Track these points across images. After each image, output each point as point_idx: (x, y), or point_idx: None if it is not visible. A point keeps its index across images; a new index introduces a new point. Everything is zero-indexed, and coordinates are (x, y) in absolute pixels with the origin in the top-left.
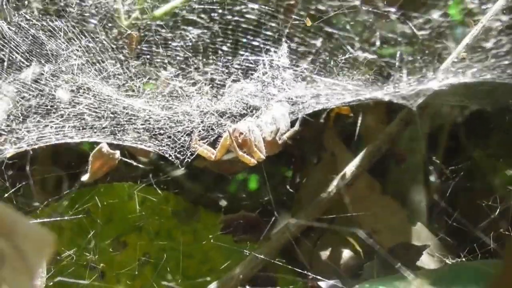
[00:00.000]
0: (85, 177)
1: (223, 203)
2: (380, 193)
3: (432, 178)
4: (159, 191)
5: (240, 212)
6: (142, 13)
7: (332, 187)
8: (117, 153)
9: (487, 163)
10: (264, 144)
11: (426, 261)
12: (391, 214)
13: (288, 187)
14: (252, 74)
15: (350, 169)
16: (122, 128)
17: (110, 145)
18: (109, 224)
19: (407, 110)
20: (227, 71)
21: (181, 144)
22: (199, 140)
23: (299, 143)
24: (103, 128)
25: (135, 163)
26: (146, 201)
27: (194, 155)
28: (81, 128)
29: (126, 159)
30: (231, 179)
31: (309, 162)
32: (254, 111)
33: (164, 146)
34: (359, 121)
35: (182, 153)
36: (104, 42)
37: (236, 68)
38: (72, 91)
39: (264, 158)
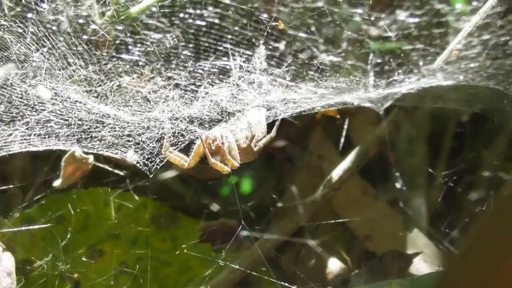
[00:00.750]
0: (57, 183)
1: (215, 207)
2: (373, 197)
3: (433, 181)
4: (136, 197)
5: (219, 219)
6: (117, 11)
7: (319, 192)
8: (91, 158)
9: (493, 165)
10: (238, 151)
11: (423, 268)
12: (385, 220)
13: (271, 193)
14: (227, 78)
15: (337, 173)
16: (89, 135)
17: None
18: (83, 232)
19: (396, 112)
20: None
21: (150, 151)
22: (168, 146)
23: (283, 146)
24: (69, 135)
25: (110, 168)
26: (122, 207)
27: (163, 163)
28: (46, 136)
29: (100, 164)
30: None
31: (294, 165)
32: (228, 116)
33: (131, 153)
34: (346, 123)
35: (150, 160)
36: (76, 43)
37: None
38: (38, 97)
39: (238, 166)
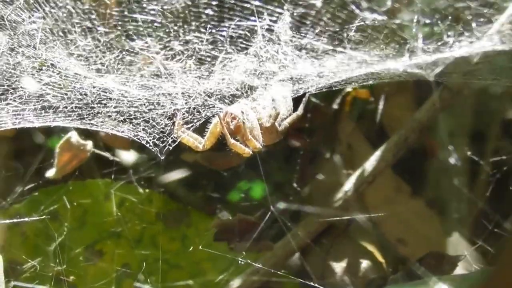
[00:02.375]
0: (50, 173)
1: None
2: (409, 196)
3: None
4: (141, 190)
5: (236, 216)
6: None
7: (349, 185)
8: (89, 144)
9: None
10: (261, 131)
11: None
12: (421, 221)
13: (295, 185)
14: (246, 47)
15: (370, 164)
16: (91, 111)
17: (81, 134)
18: (81, 229)
19: (440, 93)
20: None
21: (161, 129)
22: (182, 125)
23: (308, 132)
24: (70, 111)
25: (111, 157)
26: (125, 201)
27: (177, 142)
28: (43, 111)
29: (100, 152)
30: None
31: (321, 155)
32: (249, 92)
33: (140, 131)
34: (380, 107)
35: (161, 140)
36: (73, 9)
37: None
38: (34, 67)
39: (261, 147)
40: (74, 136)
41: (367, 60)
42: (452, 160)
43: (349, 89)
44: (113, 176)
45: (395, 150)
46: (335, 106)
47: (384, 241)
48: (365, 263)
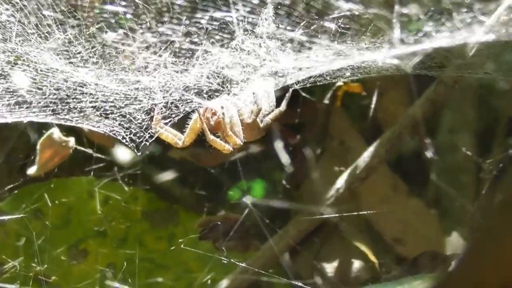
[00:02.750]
0: (32, 170)
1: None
2: (406, 194)
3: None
4: (126, 188)
5: (222, 213)
6: None
7: (341, 182)
8: (71, 141)
9: None
10: (242, 127)
11: None
12: (419, 220)
13: (284, 183)
14: (226, 40)
15: (363, 160)
16: (66, 106)
17: (63, 130)
18: (63, 228)
19: (435, 87)
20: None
21: (138, 124)
22: (160, 120)
23: (299, 128)
24: (44, 106)
25: (94, 153)
26: (110, 199)
27: (154, 138)
28: (16, 106)
29: (83, 148)
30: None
31: (312, 152)
32: (231, 86)
33: (116, 126)
34: (374, 102)
35: (138, 136)
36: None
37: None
38: (9, 62)
39: (242, 144)
40: (56, 133)
41: (344, 51)
42: (429, 154)
43: (340, 83)
44: (96, 174)
45: (388, 146)
46: (326, 101)
47: (379, 241)
48: (357, 263)
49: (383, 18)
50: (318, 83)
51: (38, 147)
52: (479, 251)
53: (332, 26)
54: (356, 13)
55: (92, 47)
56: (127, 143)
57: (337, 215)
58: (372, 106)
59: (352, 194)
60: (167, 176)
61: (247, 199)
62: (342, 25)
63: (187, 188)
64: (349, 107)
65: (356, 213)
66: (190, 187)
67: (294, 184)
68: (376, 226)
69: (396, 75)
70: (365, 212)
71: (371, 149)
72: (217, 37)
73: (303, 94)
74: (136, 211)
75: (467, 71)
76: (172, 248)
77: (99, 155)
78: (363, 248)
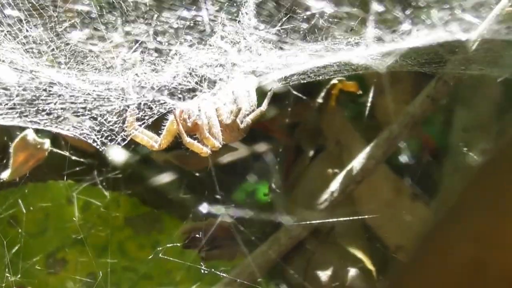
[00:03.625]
0: (5, 174)
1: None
2: (410, 198)
3: None
4: (107, 193)
5: (207, 220)
6: None
7: (336, 185)
8: (47, 143)
9: None
10: (221, 129)
11: None
12: (424, 226)
13: (273, 186)
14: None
15: (359, 162)
16: (35, 108)
17: (38, 131)
18: (40, 236)
19: (435, 84)
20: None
21: (110, 127)
22: (133, 121)
23: (290, 128)
24: (10, 108)
25: (73, 156)
26: (89, 205)
27: (127, 141)
28: None
29: (60, 151)
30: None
31: (304, 153)
32: (209, 86)
33: (86, 129)
34: (369, 100)
35: (110, 138)
36: None
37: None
38: None
39: (220, 146)
40: (30, 134)
41: (317, 51)
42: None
43: (334, 81)
44: (75, 178)
45: (386, 147)
46: (319, 99)
47: (378, 248)
48: (353, 271)
49: (356, 16)
50: (302, 81)
51: (11, 149)
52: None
53: (304, 25)
54: (328, 12)
55: (61, 46)
56: (98, 147)
57: (332, 219)
58: (368, 104)
59: (349, 197)
60: (151, 180)
61: (219, 209)
62: (314, 24)
63: (172, 193)
64: (345, 105)
65: (352, 218)
66: (175, 191)
67: (286, 188)
68: (376, 232)
69: (395, 72)
70: (363, 217)
71: (367, 150)
72: (194, 35)
73: (294, 92)
74: (118, 217)
75: (468, 67)
76: (150, 257)
77: (77, 158)
78: (360, 255)
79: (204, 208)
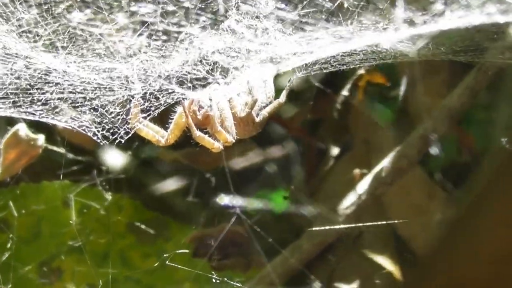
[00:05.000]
0: None
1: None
2: (444, 202)
3: None
4: (107, 195)
5: (219, 225)
6: None
7: (364, 188)
8: (41, 139)
9: None
10: (234, 122)
11: None
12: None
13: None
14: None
15: (389, 162)
16: (29, 98)
17: (31, 126)
18: (33, 242)
19: (475, 75)
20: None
21: (112, 118)
22: (138, 113)
23: (313, 125)
24: (2, 97)
25: (70, 154)
26: (88, 209)
27: (130, 135)
28: None
29: (56, 148)
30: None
31: (329, 153)
32: (221, 75)
33: (86, 121)
34: (401, 93)
35: (112, 132)
36: None
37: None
38: None
39: (234, 141)
40: (22, 129)
41: (342, 35)
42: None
43: (361, 71)
44: (71, 178)
45: (420, 145)
46: (345, 92)
47: (409, 258)
48: (381, 284)
49: None
50: (324, 71)
51: (1, 146)
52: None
53: (328, 5)
54: None
55: (59, 29)
56: (98, 140)
57: (359, 224)
58: (401, 97)
59: (378, 202)
60: (157, 181)
61: (234, 201)
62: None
63: (180, 196)
64: (374, 99)
65: (381, 223)
66: (183, 194)
67: (308, 190)
68: (406, 241)
69: (429, 62)
70: (392, 222)
71: (399, 149)
72: (207, 15)
73: (317, 84)
74: (119, 222)
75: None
76: (155, 265)
77: (74, 156)
78: (389, 265)
79: (221, 199)
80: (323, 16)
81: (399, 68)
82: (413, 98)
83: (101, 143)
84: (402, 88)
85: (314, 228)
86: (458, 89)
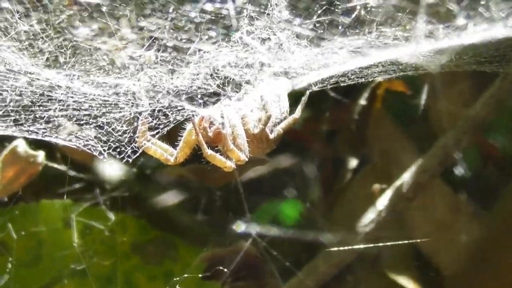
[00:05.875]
0: None
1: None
2: (470, 218)
3: None
4: (111, 215)
5: (231, 246)
6: None
7: (384, 203)
8: (41, 155)
9: None
10: (248, 139)
11: None
12: (490, 251)
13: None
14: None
15: (410, 175)
16: (31, 116)
17: (31, 142)
18: (33, 266)
19: (500, 83)
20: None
21: (118, 137)
22: (146, 131)
23: (329, 136)
24: (3, 116)
25: (71, 171)
26: (91, 229)
27: (138, 153)
28: None
29: (56, 165)
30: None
31: (346, 165)
32: (233, 89)
33: (91, 140)
34: (422, 102)
35: (119, 151)
36: None
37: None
38: None
39: (247, 159)
40: (21, 146)
41: (359, 49)
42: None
43: (380, 79)
44: (73, 197)
45: (442, 157)
46: (362, 101)
47: (433, 278)
48: None
49: (404, 9)
50: (342, 84)
51: None
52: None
53: (345, 19)
54: (372, 3)
55: (63, 44)
56: (104, 159)
57: (379, 244)
58: (422, 107)
59: (399, 218)
60: (163, 199)
61: (251, 228)
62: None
63: (188, 214)
64: (393, 108)
65: (402, 242)
66: (191, 211)
67: (324, 207)
68: (430, 259)
69: (451, 71)
70: (414, 241)
71: (420, 162)
72: (218, 30)
73: (332, 94)
74: (124, 243)
75: None
76: None
77: (76, 174)
78: (411, 286)
79: (238, 226)
80: (339, 29)
81: (419, 76)
82: (435, 107)
83: (104, 160)
84: (423, 97)
85: (330, 249)
86: (483, 98)
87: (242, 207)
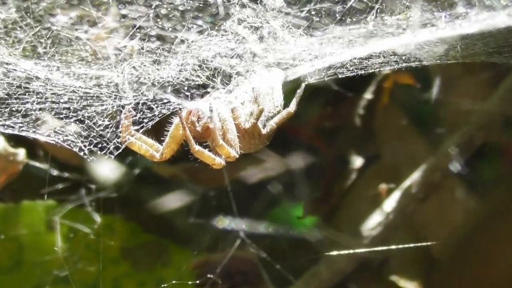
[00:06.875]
0: None
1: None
2: (488, 219)
3: None
4: (97, 216)
5: (223, 251)
6: None
7: (391, 205)
8: (21, 153)
9: None
10: (238, 135)
11: None
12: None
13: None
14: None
15: (421, 175)
16: (8, 109)
17: (11, 139)
18: (13, 272)
19: None
20: None
21: (100, 132)
22: (129, 125)
23: (331, 133)
24: None
25: (54, 170)
26: (75, 232)
27: (121, 149)
28: None
29: (38, 163)
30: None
31: (350, 165)
32: (223, 81)
33: (71, 135)
34: (434, 96)
35: (100, 146)
36: None
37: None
38: None
39: (237, 156)
40: (0, 143)
41: (356, 38)
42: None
43: (387, 71)
44: (56, 197)
45: (456, 154)
46: (368, 95)
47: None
48: None
49: None
50: (340, 76)
51: None
52: None
53: (339, 7)
54: None
55: (41, 33)
56: (85, 156)
57: (386, 248)
58: (434, 101)
59: (408, 221)
60: (154, 200)
61: (234, 223)
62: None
63: (180, 216)
64: (402, 102)
65: (413, 245)
66: (184, 214)
67: (327, 209)
68: (443, 266)
69: (465, 62)
70: (425, 244)
71: (431, 160)
72: (205, 19)
73: (336, 88)
74: (112, 248)
75: None
76: None
77: (59, 173)
78: None
79: (221, 222)
80: (335, 18)
81: (430, 67)
82: (448, 101)
83: (89, 159)
84: (435, 90)
85: (333, 253)
86: (499, 92)
87: (241, 207)
